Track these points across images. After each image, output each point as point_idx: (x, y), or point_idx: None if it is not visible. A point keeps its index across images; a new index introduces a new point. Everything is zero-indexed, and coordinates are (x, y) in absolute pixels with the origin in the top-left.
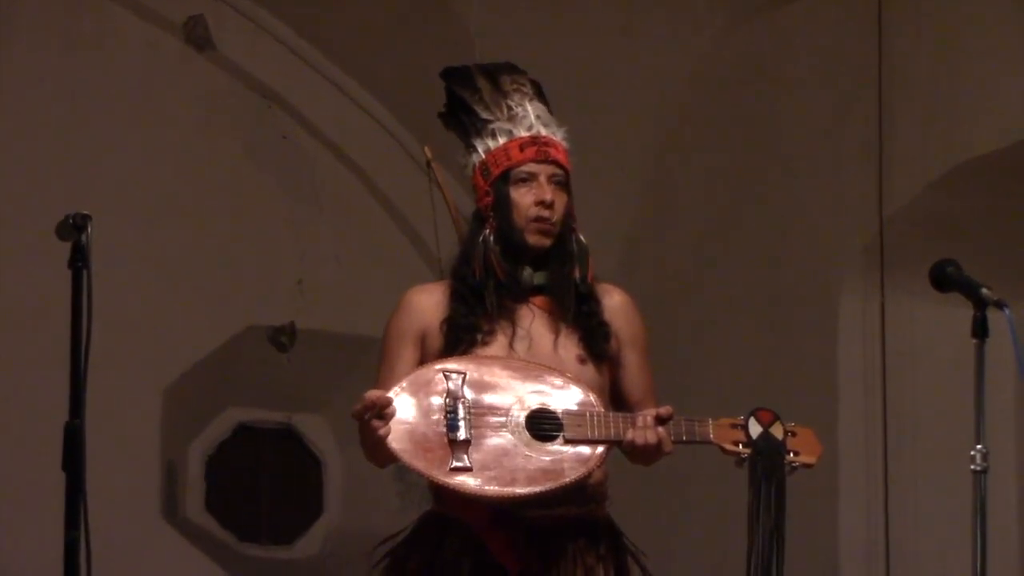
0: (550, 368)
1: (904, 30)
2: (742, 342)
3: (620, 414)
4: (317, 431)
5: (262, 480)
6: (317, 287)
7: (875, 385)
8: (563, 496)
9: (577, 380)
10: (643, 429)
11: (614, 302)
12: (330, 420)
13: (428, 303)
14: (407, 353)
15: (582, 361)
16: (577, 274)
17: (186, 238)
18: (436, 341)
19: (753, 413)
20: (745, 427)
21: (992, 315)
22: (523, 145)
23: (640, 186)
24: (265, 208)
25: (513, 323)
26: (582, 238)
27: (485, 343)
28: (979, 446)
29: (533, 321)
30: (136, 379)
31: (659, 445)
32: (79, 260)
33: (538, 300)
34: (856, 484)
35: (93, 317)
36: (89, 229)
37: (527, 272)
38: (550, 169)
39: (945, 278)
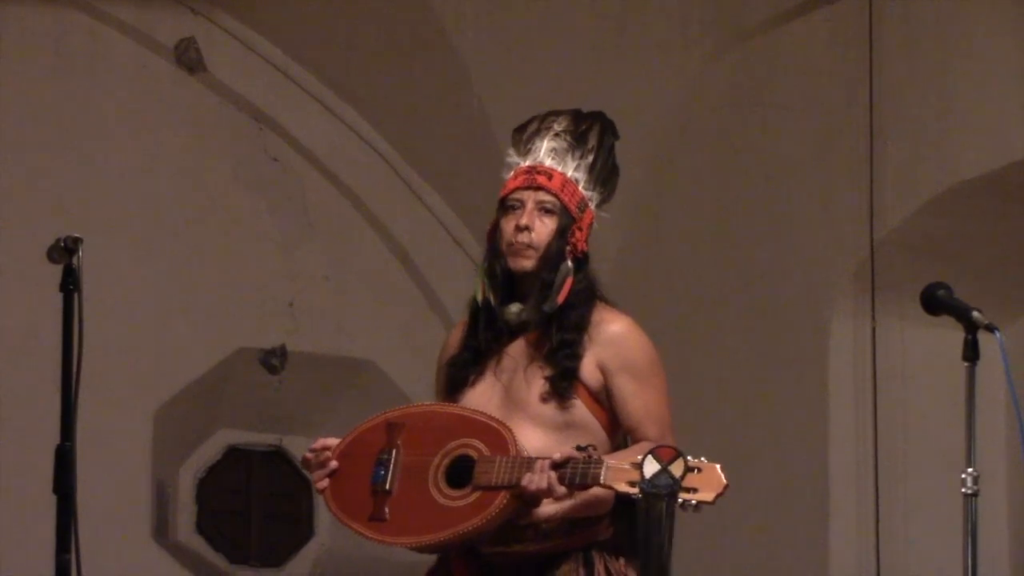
0: (484, 413)
1: (895, 53)
2: (733, 363)
3: (526, 459)
4: None
5: (253, 502)
6: (308, 309)
7: (866, 407)
8: (516, 534)
9: (502, 424)
10: (536, 474)
11: (606, 333)
12: None
13: (454, 340)
14: (443, 387)
15: (543, 400)
16: (550, 297)
17: (177, 260)
18: (444, 378)
19: (652, 451)
20: (640, 466)
21: (983, 338)
22: (518, 174)
23: (631, 208)
24: (256, 230)
25: (500, 362)
26: (570, 264)
27: (473, 383)
28: (970, 469)
29: (516, 360)
30: (127, 402)
31: (549, 490)
32: (70, 283)
33: (529, 336)
34: (847, 506)
35: (84, 340)
36: (80, 252)
37: (513, 309)
38: (537, 195)
39: (936, 301)
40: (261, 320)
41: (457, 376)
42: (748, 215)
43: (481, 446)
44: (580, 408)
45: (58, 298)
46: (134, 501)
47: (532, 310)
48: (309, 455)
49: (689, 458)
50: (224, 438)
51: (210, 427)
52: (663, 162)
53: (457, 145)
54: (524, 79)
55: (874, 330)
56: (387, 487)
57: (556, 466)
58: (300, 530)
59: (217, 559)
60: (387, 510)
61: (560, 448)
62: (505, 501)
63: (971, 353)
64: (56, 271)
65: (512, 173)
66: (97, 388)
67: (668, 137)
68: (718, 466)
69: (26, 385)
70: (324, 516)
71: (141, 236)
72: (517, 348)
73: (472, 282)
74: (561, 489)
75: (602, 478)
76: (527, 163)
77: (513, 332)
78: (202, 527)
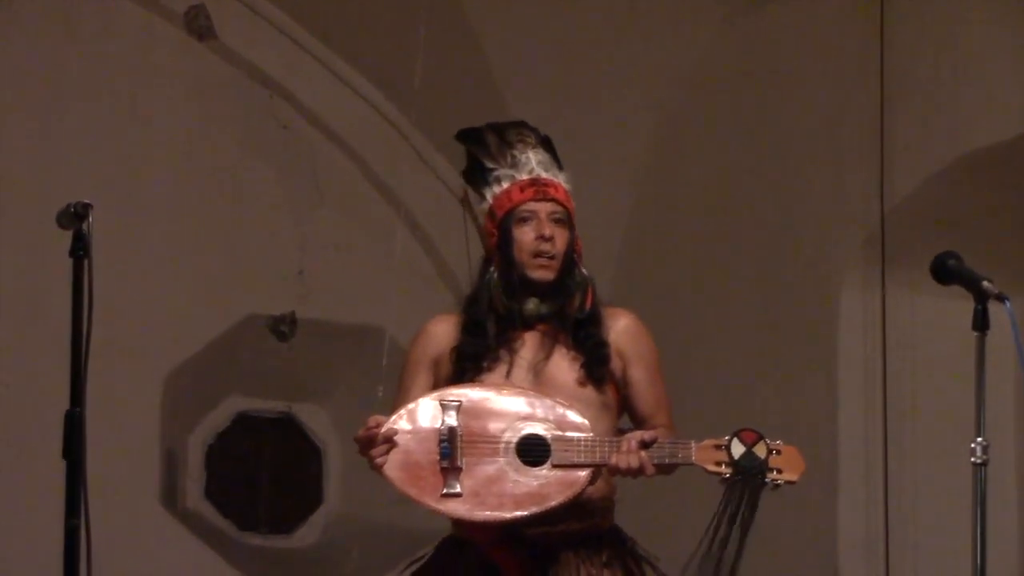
0: (543, 395)
1: (906, 24)
2: (742, 333)
3: (607, 439)
4: (317, 420)
5: (262, 469)
6: (318, 276)
7: (875, 377)
8: (563, 513)
9: (570, 405)
10: (626, 454)
11: (620, 325)
12: (330, 409)
13: (443, 332)
14: (421, 378)
15: (581, 384)
16: (577, 303)
17: (187, 227)
18: (446, 368)
19: (736, 434)
20: (728, 448)
21: (993, 308)
22: (523, 187)
23: (640, 179)
24: (266, 198)
25: (514, 352)
26: (584, 271)
27: (489, 370)
28: (979, 439)
29: (535, 349)
30: (136, 368)
31: (641, 468)
32: (80, 249)
33: (543, 328)
34: (856, 477)
35: (94, 306)
36: (90, 218)
37: (532, 303)
38: (549, 207)
39: (946, 271)
40: (271, 287)
41: (469, 366)
42: (758, 185)
43: (552, 426)
44: (609, 392)
45: (68, 264)
46: (143, 467)
47: (550, 306)
48: (363, 433)
49: (769, 440)
50: (233, 405)
51: (219, 394)
52: (673, 131)
53: (468, 113)
54: (536, 48)
55: (884, 300)
56: (457, 463)
57: (645, 445)
58: (309, 497)
59: (226, 526)
60: (459, 486)
61: (596, 428)
62: (588, 479)
63: (981, 323)
64: (66, 237)
65: (507, 184)
66: (106, 354)
67: (678, 106)
68: (796, 448)
69: (36, 351)
70: (333, 483)
71: (151, 203)
72: (532, 339)
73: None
74: (652, 468)
75: (692, 457)
76: (525, 176)
77: (524, 326)
78: (211, 494)
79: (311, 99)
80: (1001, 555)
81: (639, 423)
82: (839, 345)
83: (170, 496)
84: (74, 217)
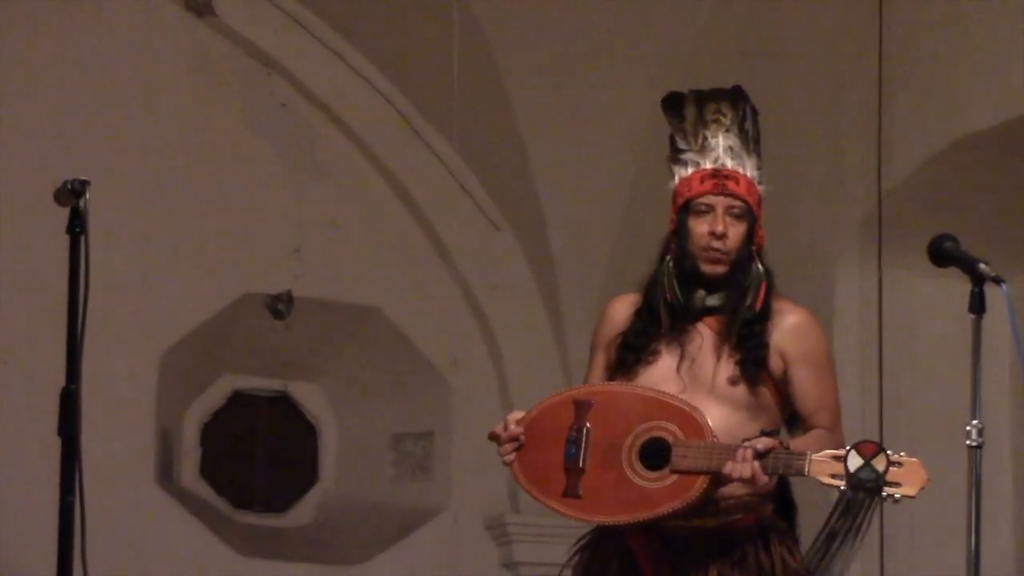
0: (681, 397)
1: (905, 4)
2: None
3: (727, 445)
4: (313, 399)
5: (257, 448)
6: (314, 255)
7: (871, 358)
8: (699, 509)
9: (696, 409)
10: (740, 463)
11: (787, 323)
12: (326, 388)
13: (621, 315)
14: (600, 359)
15: (733, 383)
16: (749, 301)
17: (184, 205)
18: (611, 353)
19: (855, 446)
20: (844, 460)
21: (990, 290)
22: (704, 177)
23: (636, 156)
24: (263, 176)
25: (682, 344)
26: (761, 267)
27: (648, 363)
28: (975, 421)
29: (700, 343)
30: (132, 345)
31: (753, 478)
32: (77, 226)
33: (710, 321)
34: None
35: (90, 283)
36: (87, 195)
37: (700, 294)
38: (727, 201)
39: (943, 253)
40: (267, 265)
41: (630, 356)
42: None
43: (675, 429)
44: (765, 392)
45: (65, 241)
46: (138, 445)
47: (718, 298)
48: (498, 429)
49: (890, 453)
50: (229, 383)
51: (215, 372)
52: None
53: (464, 91)
54: (532, 27)
55: (880, 281)
56: (580, 464)
57: (759, 455)
58: (304, 476)
59: (221, 504)
60: (581, 487)
61: (745, 428)
62: (705, 486)
63: (977, 305)
64: (63, 213)
65: (691, 171)
66: (103, 332)
67: (676, 86)
68: (918, 460)
69: (32, 328)
70: (328, 462)
71: (148, 180)
72: (698, 332)
73: (658, 266)
74: (764, 478)
75: (806, 470)
76: (709, 164)
77: (693, 317)
78: (206, 472)
79: (309, 76)
80: (997, 535)
81: (801, 422)
82: (835, 326)
83: (165, 474)
84: (71, 194)
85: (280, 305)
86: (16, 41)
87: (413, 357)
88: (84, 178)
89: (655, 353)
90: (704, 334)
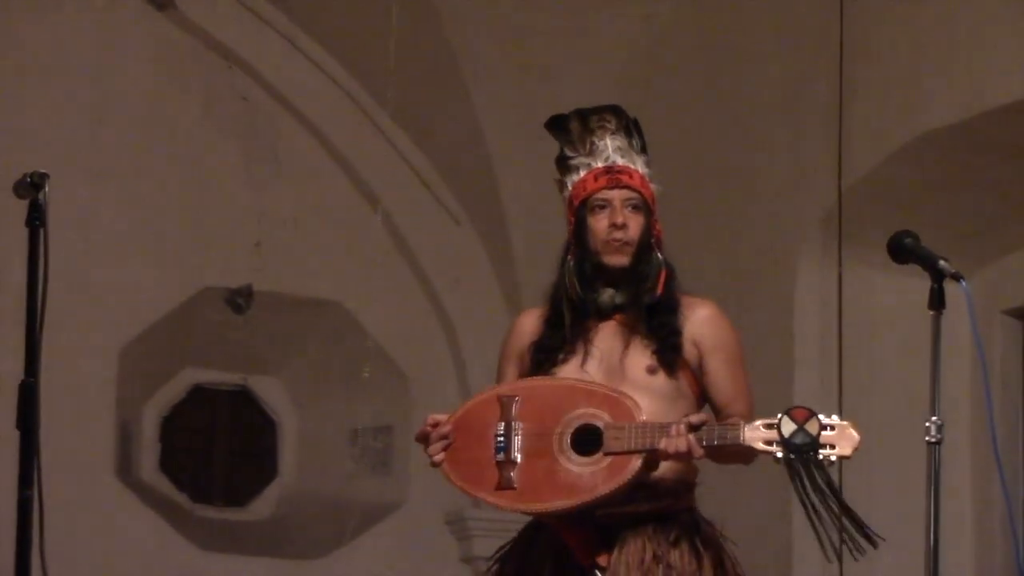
0: (605, 386)
1: (866, 2)
2: None
3: (659, 424)
4: (272, 393)
5: (217, 441)
6: (275, 249)
7: (831, 354)
8: (631, 494)
9: (630, 394)
10: (674, 438)
11: (699, 314)
12: (286, 382)
13: (529, 326)
14: (510, 371)
15: (652, 372)
16: (648, 285)
17: (144, 198)
18: (525, 362)
19: (787, 412)
20: (778, 427)
21: (949, 287)
22: (598, 175)
23: None
24: (224, 169)
25: (589, 342)
26: (660, 256)
27: (563, 361)
28: (934, 417)
29: (610, 339)
30: (92, 339)
31: (689, 451)
32: (36, 219)
33: (619, 318)
34: None
35: (49, 276)
36: (47, 188)
37: (608, 292)
38: (624, 194)
39: (903, 249)
40: (228, 259)
41: (545, 358)
42: (716, 161)
43: (605, 415)
44: (683, 380)
45: (24, 234)
46: (98, 438)
47: (625, 295)
48: (421, 431)
49: (822, 416)
50: (189, 377)
51: (175, 366)
52: (631, 107)
53: (427, 87)
54: (494, 22)
55: (840, 277)
56: (511, 457)
57: (693, 428)
58: (264, 470)
59: (180, 498)
60: (515, 479)
61: (667, 416)
62: (640, 465)
63: (937, 302)
64: (22, 206)
65: (584, 173)
66: (62, 325)
67: (636, 82)
68: (850, 422)
69: None
70: (288, 456)
71: (107, 173)
72: (608, 329)
73: (561, 269)
74: (700, 451)
75: (741, 438)
76: (600, 164)
77: (601, 315)
78: (166, 466)
79: (269, 70)
80: (955, 532)
81: (716, 413)
82: (795, 322)
83: (124, 467)
84: (31, 187)
85: (240, 299)
86: None
87: (373, 352)
88: (43, 171)
89: (568, 352)
90: (615, 330)
